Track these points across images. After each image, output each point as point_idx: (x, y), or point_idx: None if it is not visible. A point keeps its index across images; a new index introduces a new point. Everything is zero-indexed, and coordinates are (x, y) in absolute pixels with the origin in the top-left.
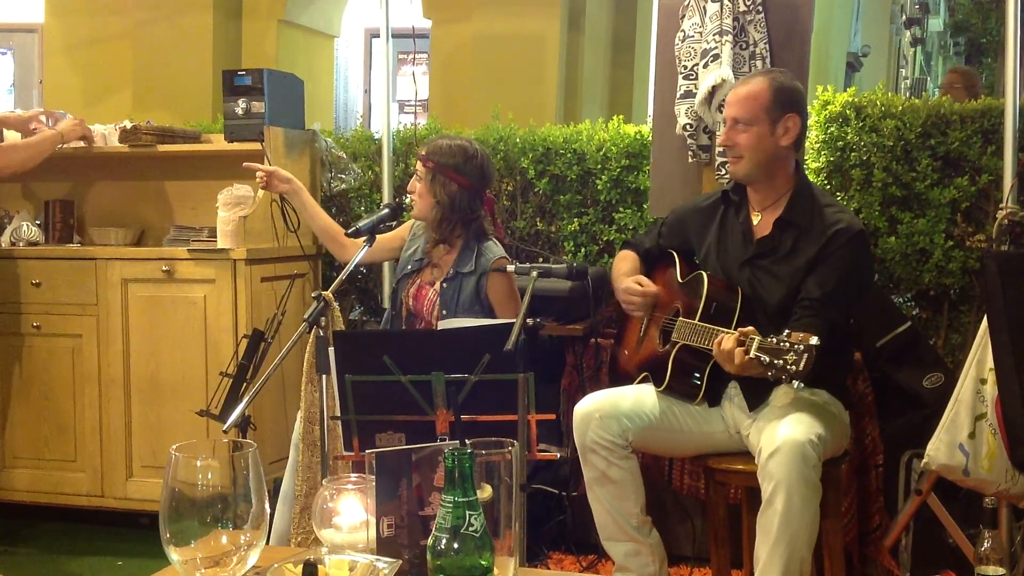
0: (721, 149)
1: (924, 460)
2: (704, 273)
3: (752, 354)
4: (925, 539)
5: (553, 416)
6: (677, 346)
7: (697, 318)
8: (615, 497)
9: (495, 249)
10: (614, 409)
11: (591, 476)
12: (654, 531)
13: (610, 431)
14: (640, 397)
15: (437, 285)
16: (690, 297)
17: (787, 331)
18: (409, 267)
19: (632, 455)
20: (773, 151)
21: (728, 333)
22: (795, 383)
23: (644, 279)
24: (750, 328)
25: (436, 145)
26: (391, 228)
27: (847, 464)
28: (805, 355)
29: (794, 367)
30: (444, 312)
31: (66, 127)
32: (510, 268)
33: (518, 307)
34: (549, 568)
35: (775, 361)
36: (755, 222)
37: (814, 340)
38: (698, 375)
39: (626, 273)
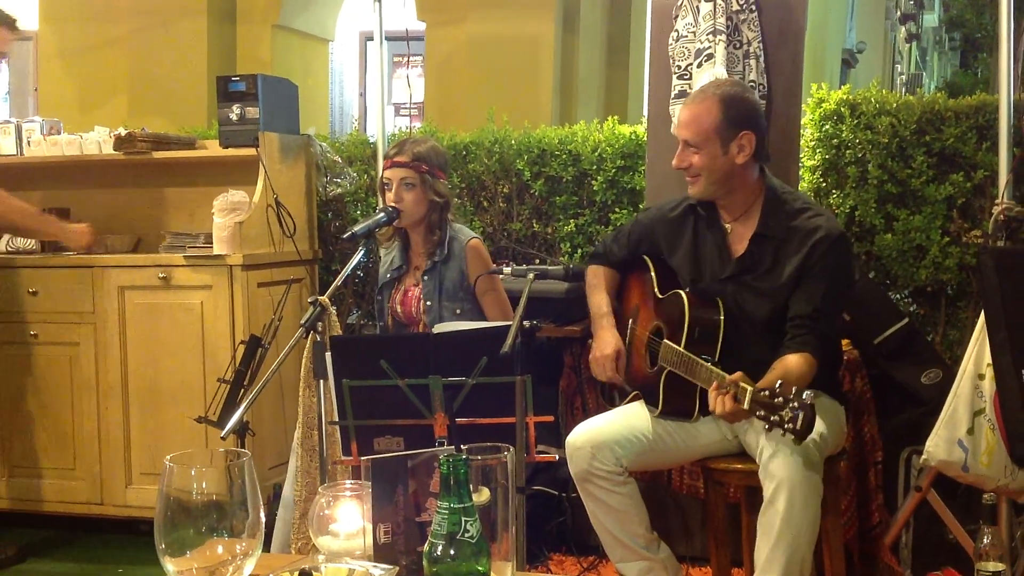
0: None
1: (923, 456)
2: (683, 293)
3: (746, 407)
4: (925, 536)
5: (551, 418)
6: (665, 371)
7: (682, 344)
8: (620, 522)
9: (463, 230)
10: (605, 438)
11: (592, 505)
12: (663, 546)
13: (604, 461)
14: (630, 421)
15: (419, 283)
16: (671, 318)
17: (779, 383)
18: (388, 275)
19: (630, 479)
20: (728, 170)
21: (717, 373)
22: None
23: (620, 350)
24: (738, 375)
25: (418, 151)
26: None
27: (846, 462)
28: (801, 413)
29: (791, 424)
30: (428, 303)
31: (75, 229)
32: (507, 270)
33: (496, 284)
34: (550, 570)
35: (771, 417)
36: (729, 234)
37: (807, 396)
38: (691, 394)
39: (605, 311)
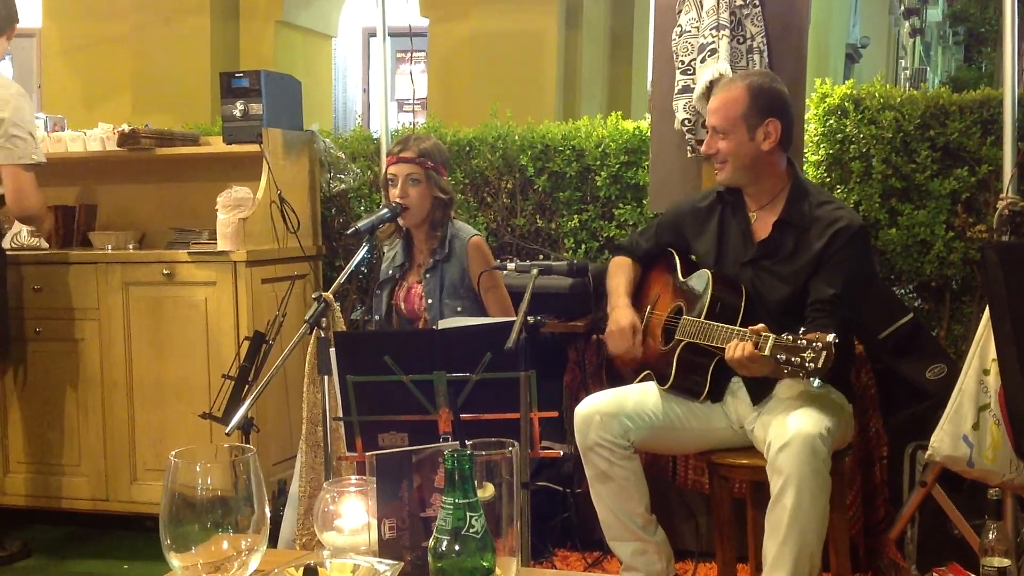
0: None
1: (928, 452)
2: (708, 271)
3: (767, 353)
4: (930, 531)
5: (556, 413)
6: (681, 344)
7: (703, 317)
8: (619, 497)
9: (464, 227)
10: (615, 410)
11: (594, 477)
12: (660, 529)
13: (611, 432)
14: (641, 397)
15: (422, 280)
16: (693, 295)
17: (802, 329)
18: (391, 271)
19: (634, 455)
20: (754, 156)
21: (737, 331)
22: (814, 380)
23: (636, 323)
24: (760, 326)
25: (423, 147)
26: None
27: (851, 457)
28: (824, 352)
29: (812, 364)
30: (429, 301)
31: None
32: (511, 266)
33: (498, 281)
34: (555, 565)
35: (792, 359)
36: (753, 222)
37: (831, 337)
38: (702, 373)
39: (623, 292)
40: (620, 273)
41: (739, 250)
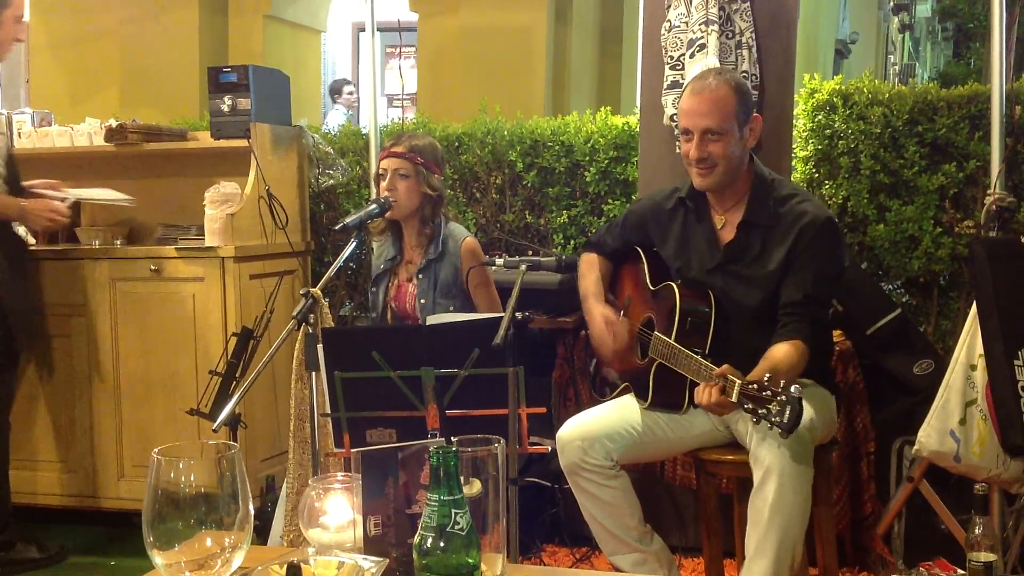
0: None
1: (915, 447)
2: (674, 285)
3: (734, 399)
4: (917, 526)
5: (544, 409)
6: (655, 363)
7: (673, 336)
8: (612, 516)
9: (458, 229)
10: (596, 432)
11: (584, 500)
12: (656, 538)
13: (595, 455)
14: (620, 415)
15: (414, 279)
16: (662, 309)
17: (767, 376)
18: (382, 266)
19: (621, 473)
20: (742, 155)
21: (704, 365)
22: (783, 435)
23: (609, 315)
24: (725, 367)
25: (415, 144)
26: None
27: (838, 452)
28: (789, 407)
29: (778, 418)
30: (423, 301)
31: (31, 206)
32: (500, 262)
33: (488, 278)
34: (543, 561)
35: (759, 410)
36: (719, 227)
37: (795, 390)
38: (680, 387)
39: (595, 293)
40: (591, 273)
41: (705, 256)
